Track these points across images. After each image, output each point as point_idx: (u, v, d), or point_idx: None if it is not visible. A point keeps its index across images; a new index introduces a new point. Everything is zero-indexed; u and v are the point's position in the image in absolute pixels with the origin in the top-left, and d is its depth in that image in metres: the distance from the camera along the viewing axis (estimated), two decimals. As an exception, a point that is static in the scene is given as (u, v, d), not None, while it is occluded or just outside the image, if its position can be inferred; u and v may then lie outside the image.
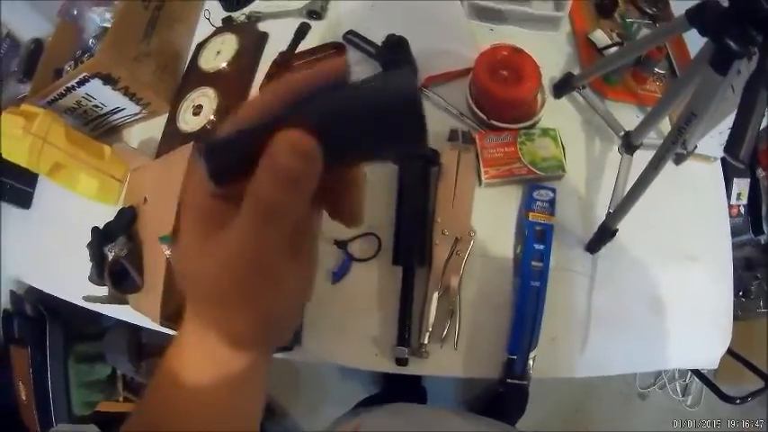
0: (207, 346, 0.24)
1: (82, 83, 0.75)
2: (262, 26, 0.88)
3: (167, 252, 0.61)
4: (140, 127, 0.87)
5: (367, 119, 0.20)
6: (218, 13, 0.91)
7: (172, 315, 0.63)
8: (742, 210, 0.86)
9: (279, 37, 0.82)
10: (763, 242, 0.95)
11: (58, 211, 0.86)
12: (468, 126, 0.73)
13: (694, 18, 0.45)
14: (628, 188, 0.59)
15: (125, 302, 0.70)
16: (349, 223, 0.26)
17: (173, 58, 0.87)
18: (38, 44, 0.96)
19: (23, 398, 1.06)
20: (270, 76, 0.75)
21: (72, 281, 0.77)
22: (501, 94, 0.68)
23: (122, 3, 0.77)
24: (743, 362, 0.79)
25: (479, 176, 0.68)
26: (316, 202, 0.23)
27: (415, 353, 0.62)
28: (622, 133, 0.68)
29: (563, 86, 0.73)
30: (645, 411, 1.53)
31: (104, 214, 0.77)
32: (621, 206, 0.59)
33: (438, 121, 0.73)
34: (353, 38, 0.79)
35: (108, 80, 0.75)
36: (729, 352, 0.67)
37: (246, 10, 0.89)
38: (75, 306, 0.78)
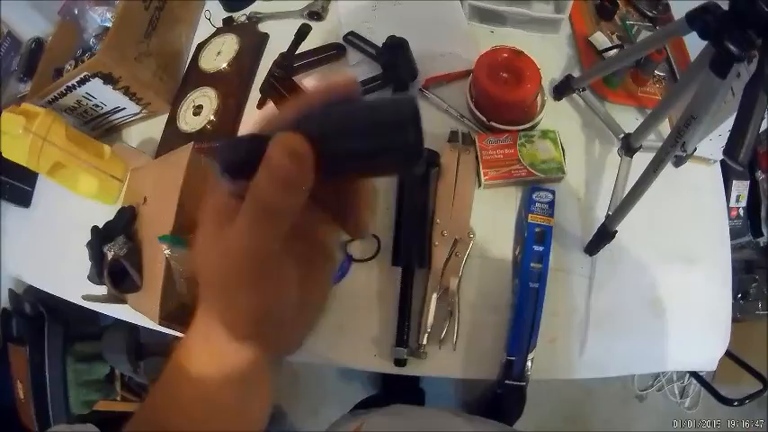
0: (210, 338, 0.25)
1: (82, 82, 0.75)
2: (262, 27, 0.88)
3: (167, 252, 0.61)
4: (140, 127, 0.87)
5: (364, 131, 0.21)
6: (218, 14, 0.91)
7: (171, 314, 0.63)
8: (741, 212, 0.87)
9: (279, 38, 0.82)
10: (762, 244, 0.95)
11: (58, 210, 0.86)
12: (467, 128, 0.73)
13: (694, 21, 0.45)
14: (627, 190, 0.59)
15: (124, 302, 0.70)
16: (354, 234, 0.27)
17: (173, 58, 0.87)
18: (38, 43, 0.96)
19: (21, 396, 1.06)
20: (273, 76, 0.75)
21: (71, 280, 0.77)
22: (501, 96, 0.68)
23: (123, 3, 0.77)
24: (741, 364, 0.79)
25: (479, 178, 0.68)
26: (324, 219, 0.25)
27: (413, 354, 0.62)
28: (622, 135, 0.68)
29: (563, 88, 0.73)
30: (643, 413, 1.53)
31: (104, 214, 0.77)
32: (621, 208, 0.60)
33: (438, 122, 0.73)
34: (354, 39, 0.79)
35: (108, 80, 0.75)
36: (728, 354, 0.67)
37: (247, 11, 0.89)
38: (74, 305, 0.78)
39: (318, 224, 0.27)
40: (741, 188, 0.86)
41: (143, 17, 0.80)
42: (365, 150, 0.21)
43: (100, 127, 0.87)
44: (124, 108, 0.82)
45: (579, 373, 0.63)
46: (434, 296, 0.62)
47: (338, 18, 0.84)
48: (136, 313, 0.69)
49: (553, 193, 0.65)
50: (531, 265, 0.62)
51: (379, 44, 0.75)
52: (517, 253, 0.66)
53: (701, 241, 0.69)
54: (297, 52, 0.74)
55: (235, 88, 0.81)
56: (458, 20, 0.80)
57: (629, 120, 0.72)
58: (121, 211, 0.75)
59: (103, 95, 0.78)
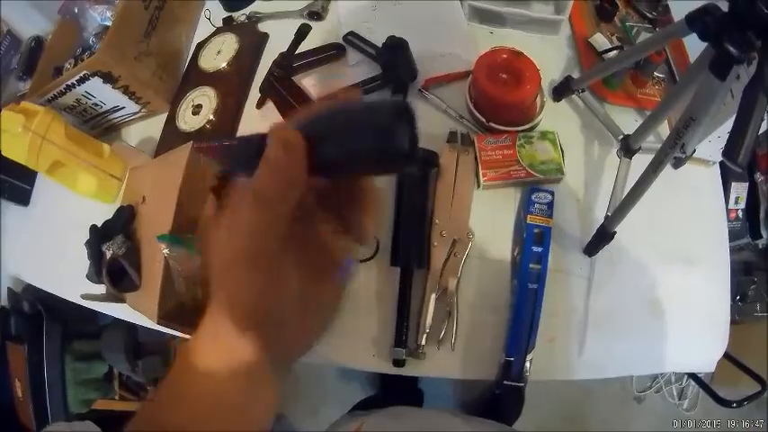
0: (219, 335, 0.26)
1: (82, 81, 0.75)
2: (262, 27, 0.88)
3: (165, 251, 0.61)
4: (140, 126, 0.87)
5: (357, 131, 0.22)
6: (218, 13, 0.91)
7: (169, 313, 0.63)
8: (740, 214, 0.86)
9: (279, 37, 0.82)
10: (761, 246, 0.95)
11: (57, 208, 0.86)
12: (467, 128, 0.73)
13: (694, 22, 0.45)
14: (626, 191, 0.59)
15: (123, 301, 0.70)
16: (359, 240, 0.28)
17: (173, 57, 0.87)
18: (38, 42, 0.96)
19: (19, 395, 1.06)
20: (272, 76, 0.75)
21: (70, 279, 0.77)
22: (500, 97, 0.68)
23: (123, 2, 0.77)
24: (739, 366, 0.79)
25: (478, 178, 0.68)
26: (329, 225, 0.27)
27: (412, 354, 0.62)
28: (621, 137, 0.68)
29: (562, 90, 0.73)
30: (641, 415, 1.53)
31: (103, 212, 0.77)
32: (620, 209, 0.60)
33: (437, 122, 0.73)
34: (354, 39, 0.79)
35: (108, 78, 0.75)
36: (726, 356, 0.67)
37: (247, 10, 0.89)
38: (73, 304, 0.78)
39: (323, 230, 0.28)
40: (740, 190, 0.86)
41: (143, 16, 0.80)
42: (357, 150, 0.23)
43: (99, 126, 0.87)
44: (123, 107, 0.82)
45: (578, 374, 0.63)
46: (433, 296, 0.62)
47: (338, 18, 0.84)
48: (134, 312, 0.69)
49: (552, 194, 0.65)
50: (530, 265, 0.62)
51: (379, 44, 0.75)
52: (516, 254, 0.66)
53: (700, 243, 0.69)
54: (296, 52, 0.74)
55: (234, 88, 0.81)
56: (457, 20, 0.80)
57: (628, 121, 0.72)
58: (120, 210, 0.75)
59: (103, 94, 0.78)
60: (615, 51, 0.75)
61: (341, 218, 0.28)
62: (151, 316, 0.63)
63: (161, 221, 0.64)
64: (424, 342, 0.62)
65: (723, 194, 0.73)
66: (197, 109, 0.80)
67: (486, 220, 0.68)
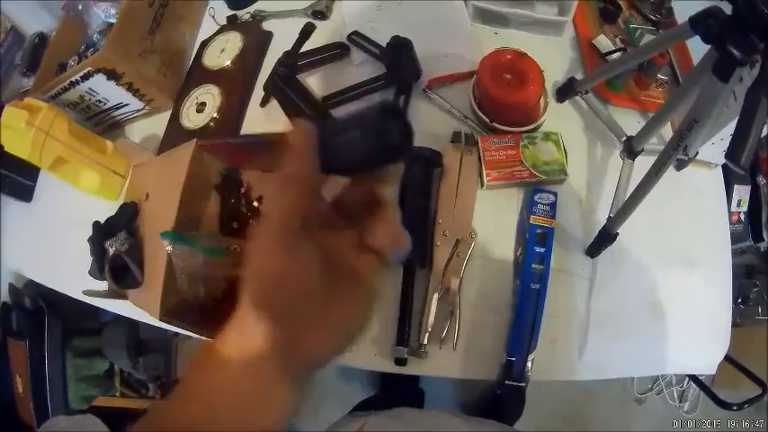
0: (242, 325, 0.27)
1: (86, 77, 0.75)
2: (266, 25, 0.88)
3: (168, 248, 0.61)
4: (143, 123, 0.87)
5: (358, 127, 0.26)
6: (222, 12, 0.91)
7: (171, 310, 0.63)
8: (742, 217, 0.87)
9: (283, 36, 0.83)
10: (762, 249, 0.95)
11: (59, 205, 0.87)
12: (470, 128, 0.73)
13: (697, 25, 0.45)
14: (629, 193, 0.59)
15: (125, 297, 0.71)
16: (381, 255, 0.30)
17: (177, 55, 0.87)
18: (42, 38, 0.96)
19: (20, 391, 1.06)
20: (276, 75, 0.75)
21: (72, 275, 0.77)
22: (504, 98, 0.68)
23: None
24: (740, 368, 0.79)
25: (481, 179, 0.68)
26: (353, 240, 0.29)
27: (414, 353, 0.62)
28: (624, 138, 0.68)
29: (566, 91, 0.73)
30: (642, 416, 1.53)
31: (105, 209, 0.77)
32: (622, 211, 0.60)
33: (441, 122, 0.74)
34: (358, 39, 0.79)
35: (112, 75, 0.75)
36: (727, 358, 0.67)
37: (251, 9, 0.90)
38: (74, 300, 0.78)
39: (344, 241, 0.30)
40: (742, 193, 0.86)
41: (147, 14, 0.80)
42: (359, 146, 0.26)
43: (103, 123, 0.87)
44: (127, 104, 0.82)
45: (579, 375, 0.64)
46: (435, 296, 0.63)
47: (342, 17, 0.84)
48: (136, 309, 0.69)
49: (555, 194, 0.66)
50: (533, 266, 0.62)
51: (383, 44, 0.75)
52: (518, 254, 0.66)
53: (702, 245, 0.69)
54: (301, 51, 0.75)
55: (238, 86, 0.81)
56: (461, 21, 0.81)
57: (631, 123, 0.72)
58: (123, 207, 0.75)
59: (107, 91, 0.78)
60: (618, 53, 0.75)
61: (359, 229, 0.29)
62: (153, 313, 0.63)
63: (164, 218, 0.64)
64: (426, 341, 0.62)
65: (725, 197, 0.73)
66: (201, 107, 0.80)
67: (490, 220, 0.68)
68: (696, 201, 0.71)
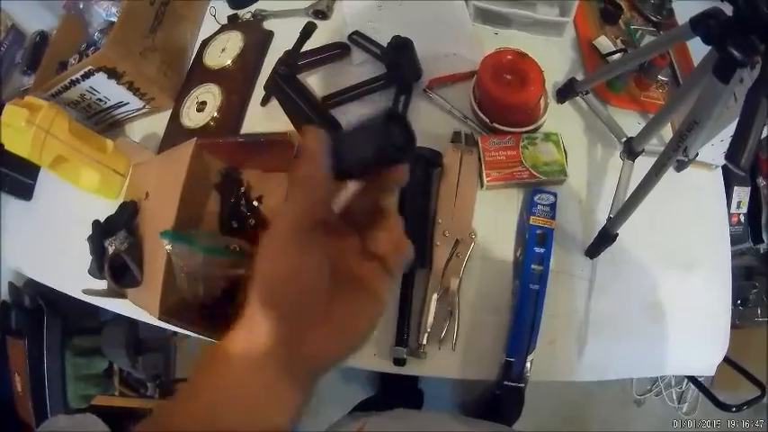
0: (251, 324, 0.27)
1: (86, 76, 0.75)
2: (267, 25, 0.88)
3: (168, 247, 0.61)
4: (143, 122, 0.87)
5: (365, 131, 0.28)
6: (223, 11, 0.91)
7: (171, 309, 0.63)
8: (742, 218, 0.86)
9: (284, 36, 0.83)
10: (762, 251, 0.95)
11: (59, 203, 0.87)
12: (471, 129, 0.73)
13: (698, 26, 0.45)
14: (629, 194, 0.59)
15: (124, 296, 0.71)
16: (384, 263, 0.30)
17: (178, 54, 0.87)
18: (43, 37, 0.96)
19: (19, 389, 1.06)
20: (277, 74, 0.75)
21: (71, 274, 0.77)
22: (504, 98, 0.68)
23: (128, -2, 0.77)
24: (740, 370, 0.79)
25: (481, 179, 0.68)
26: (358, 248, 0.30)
27: (413, 353, 0.62)
28: (624, 139, 0.68)
29: (566, 91, 0.73)
30: (641, 418, 1.53)
31: (105, 208, 0.77)
32: (622, 211, 0.60)
33: (441, 122, 0.74)
34: (359, 38, 0.79)
35: (112, 74, 0.75)
36: (726, 360, 0.67)
37: (252, 8, 0.90)
38: (74, 299, 0.78)
39: (351, 249, 0.31)
40: (742, 194, 0.86)
41: (148, 13, 0.80)
42: (365, 151, 0.28)
43: (103, 121, 0.87)
44: (128, 103, 0.82)
45: (578, 376, 0.64)
46: (435, 296, 0.63)
47: (343, 17, 0.84)
48: (136, 308, 0.69)
49: (555, 195, 0.66)
50: (532, 266, 0.62)
51: (384, 44, 0.75)
52: (518, 254, 0.66)
53: (702, 246, 0.69)
54: (301, 50, 0.74)
55: (239, 85, 0.81)
56: (462, 21, 0.81)
57: (631, 124, 0.72)
58: (123, 206, 0.75)
59: (107, 90, 0.78)
60: (619, 54, 0.75)
61: (363, 237, 0.30)
62: (153, 312, 0.63)
63: (164, 217, 0.64)
64: (425, 341, 0.62)
65: (725, 198, 0.73)
66: (201, 106, 0.80)
67: (489, 220, 0.68)
68: (696, 202, 0.71)
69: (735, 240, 0.82)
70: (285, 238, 0.27)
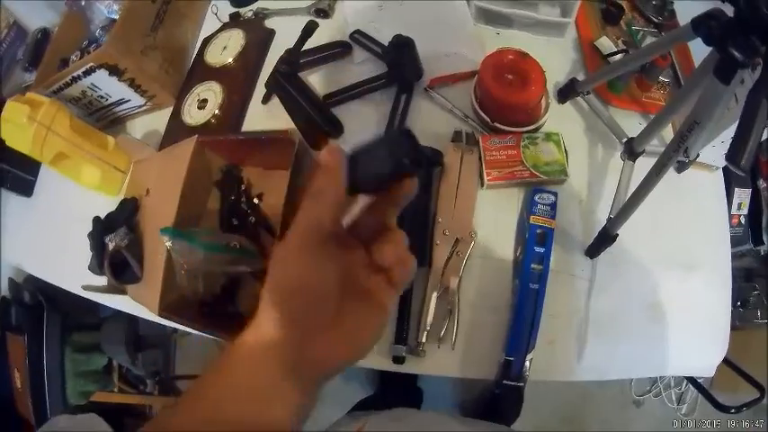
0: (260, 321, 0.29)
1: (88, 73, 0.75)
2: (269, 23, 0.88)
3: (168, 243, 0.62)
4: (145, 119, 0.88)
5: (379, 147, 0.30)
6: (225, 9, 0.91)
7: (170, 306, 0.63)
8: (743, 220, 0.86)
9: (286, 34, 0.83)
10: (762, 253, 0.95)
11: (60, 200, 0.87)
12: (471, 128, 0.73)
13: (699, 27, 0.45)
14: (629, 194, 0.59)
15: (124, 293, 0.71)
16: (390, 276, 0.32)
17: (179, 51, 0.87)
18: (44, 33, 0.96)
19: (18, 385, 1.06)
20: (278, 72, 0.75)
21: (72, 270, 0.77)
22: (505, 98, 0.68)
23: (131, -5, 0.77)
24: (739, 371, 0.79)
25: (482, 178, 0.68)
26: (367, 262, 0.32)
27: (412, 351, 0.62)
28: (625, 140, 0.68)
29: (567, 92, 0.73)
30: (640, 418, 1.53)
31: (106, 204, 0.77)
32: (622, 212, 0.60)
33: (442, 122, 0.74)
34: (360, 37, 0.80)
35: (114, 71, 0.75)
36: (726, 361, 0.67)
37: (254, 6, 0.90)
38: (74, 296, 0.78)
39: (358, 262, 0.32)
40: (743, 196, 0.85)
41: (150, 10, 0.80)
42: (379, 167, 0.30)
43: (104, 118, 0.87)
44: (129, 100, 0.82)
45: (577, 376, 0.64)
46: (434, 295, 0.63)
47: (344, 16, 0.84)
48: (135, 304, 0.69)
49: (555, 195, 0.66)
50: (532, 266, 0.62)
51: (386, 43, 0.75)
52: (518, 254, 0.66)
53: (702, 247, 0.69)
54: (303, 49, 0.75)
55: (240, 83, 0.81)
56: (464, 21, 0.81)
57: (632, 125, 0.72)
58: (124, 203, 0.75)
59: (109, 87, 0.79)
60: (620, 55, 0.75)
61: (369, 250, 0.32)
62: (152, 308, 0.63)
63: (164, 214, 0.64)
64: (424, 340, 0.62)
65: (726, 200, 0.73)
66: (202, 103, 0.80)
67: (489, 219, 0.68)
68: (696, 203, 0.71)
69: (735, 242, 0.82)
70: (299, 247, 0.29)
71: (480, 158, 0.69)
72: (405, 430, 0.56)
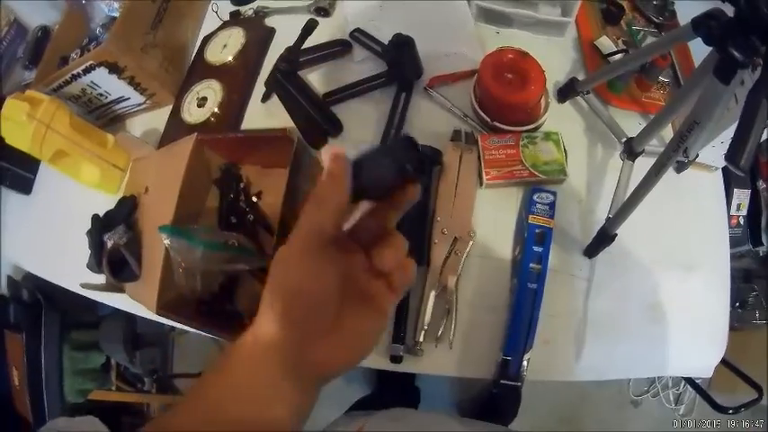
0: (260, 320, 0.29)
1: (88, 71, 0.75)
2: (269, 21, 0.88)
3: (167, 242, 0.61)
4: (144, 117, 0.87)
5: (383, 154, 0.31)
6: (225, 7, 0.91)
7: (168, 304, 0.63)
8: (742, 221, 0.86)
9: (286, 32, 0.83)
10: (761, 254, 0.95)
11: (59, 198, 0.87)
12: (471, 127, 0.73)
13: (699, 27, 0.45)
14: (628, 194, 0.59)
15: (122, 291, 0.71)
16: (389, 281, 0.32)
17: (179, 50, 0.87)
18: (45, 31, 0.96)
19: (16, 383, 1.06)
20: (278, 71, 0.75)
21: (70, 268, 0.77)
22: (505, 97, 0.68)
23: (131, -7, 0.77)
24: (737, 372, 0.79)
25: (480, 177, 0.68)
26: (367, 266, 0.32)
27: (409, 351, 0.62)
28: (624, 139, 0.68)
29: (567, 91, 0.73)
30: (638, 419, 1.53)
31: (105, 202, 0.77)
32: (621, 211, 0.60)
33: (441, 121, 0.74)
34: (360, 36, 0.79)
35: (114, 69, 0.75)
36: (724, 362, 0.67)
37: (254, 5, 0.90)
38: (72, 294, 0.78)
39: (358, 266, 0.32)
40: (742, 197, 0.85)
41: (150, 8, 0.80)
42: (383, 174, 0.31)
43: (104, 116, 0.87)
44: (129, 98, 0.82)
45: (575, 376, 0.63)
46: (432, 294, 0.63)
47: (345, 15, 0.84)
48: (133, 303, 0.69)
49: (554, 194, 0.66)
50: (531, 265, 0.62)
51: (386, 41, 0.75)
52: (517, 253, 0.66)
53: (701, 248, 0.69)
54: (303, 47, 0.74)
55: (240, 81, 0.81)
56: (464, 20, 0.80)
57: (632, 125, 0.72)
58: (122, 201, 0.75)
59: (108, 85, 0.78)
60: (620, 54, 0.75)
61: (369, 255, 0.32)
62: (150, 306, 0.63)
63: (163, 212, 0.64)
64: (422, 339, 0.62)
65: (725, 200, 0.73)
66: (202, 102, 0.80)
67: (488, 219, 0.68)
68: (696, 203, 0.71)
69: (734, 243, 0.82)
70: (300, 251, 0.29)
71: (479, 157, 0.69)
72: (405, 430, 0.56)
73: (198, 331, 0.65)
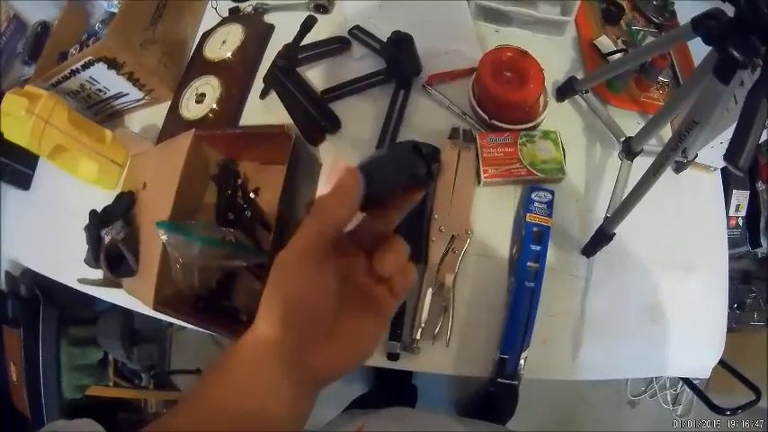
0: (257, 323, 0.29)
1: (87, 66, 0.75)
2: (268, 18, 0.88)
3: (164, 237, 0.61)
4: (143, 113, 0.87)
5: (392, 161, 0.30)
6: (224, 4, 0.91)
7: (165, 300, 0.63)
8: (740, 222, 0.86)
9: (285, 29, 0.82)
10: (760, 255, 0.95)
11: (57, 193, 0.87)
12: (469, 125, 0.73)
13: (699, 26, 0.45)
14: (626, 194, 0.59)
15: (119, 286, 0.71)
16: (390, 286, 0.32)
17: (178, 46, 0.87)
18: (44, 27, 0.96)
19: (14, 379, 1.06)
20: (276, 67, 0.75)
21: (68, 264, 0.77)
22: (504, 96, 0.68)
23: (130, -11, 0.77)
24: (735, 373, 0.79)
25: (479, 176, 0.68)
26: (369, 270, 0.31)
27: (406, 348, 0.62)
28: (623, 139, 0.68)
29: (566, 90, 0.73)
30: (635, 419, 1.53)
31: (103, 198, 0.77)
32: (619, 211, 0.60)
33: (440, 119, 0.73)
34: (359, 33, 0.79)
35: (113, 65, 0.75)
36: (722, 363, 0.67)
37: (253, 1, 0.89)
38: (70, 289, 0.78)
39: (359, 271, 0.32)
40: (741, 198, 0.85)
41: (150, 4, 0.80)
42: (394, 181, 0.30)
43: (103, 112, 0.87)
44: (127, 94, 0.82)
45: (572, 375, 0.63)
46: (429, 292, 0.63)
47: (344, 12, 0.84)
48: (131, 298, 0.69)
49: (552, 193, 0.65)
50: (528, 264, 0.62)
51: (384, 39, 0.75)
52: (514, 252, 0.66)
53: (699, 248, 0.69)
54: (301, 44, 0.74)
55: (238, 78, 0.81)
56: (463, 18, 0.80)
57: (630, 124, 0.72)
58: (120, 196, 0.75)
59: (107, 80, 0.78)
60: (620, 54, 0.75)
61: (370, 259, 0.31)
62: (147, 302, 0.63)
63: (161, 208, 0.64)
64: (418, 337, 0.62)
65: (724, 201, 0.73)
66: (200, 98, 0.80)
67: (486, 217, 0.68)
68: (694, 204, 0.71)
69: (733, 244, 0.82)
70: (300, 257, 0.28)
71: (477, 156, 0.68)
72: (405, 430, 0.56)
73: (195, 327, 0.65)
